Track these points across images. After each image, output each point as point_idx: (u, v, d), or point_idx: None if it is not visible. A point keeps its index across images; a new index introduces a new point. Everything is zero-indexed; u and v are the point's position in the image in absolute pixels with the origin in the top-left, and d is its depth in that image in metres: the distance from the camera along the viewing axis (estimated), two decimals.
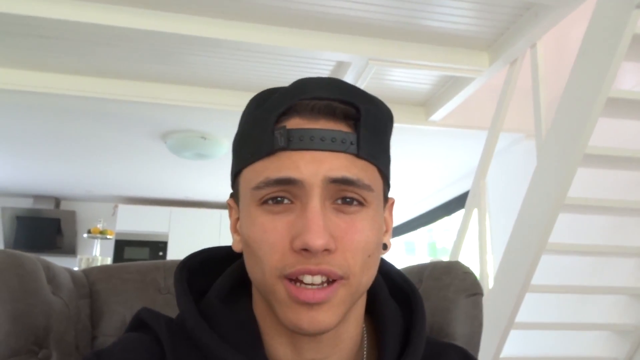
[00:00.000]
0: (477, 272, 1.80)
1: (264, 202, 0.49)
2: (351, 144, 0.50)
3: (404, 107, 3.16)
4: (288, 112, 0.50)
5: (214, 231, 5.82)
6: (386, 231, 0.57)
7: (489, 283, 2.43)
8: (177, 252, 5.59)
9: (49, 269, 0.68)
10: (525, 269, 1.98)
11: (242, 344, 0.52)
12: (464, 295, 0.79)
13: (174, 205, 5.91)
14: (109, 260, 4.93)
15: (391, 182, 0.58)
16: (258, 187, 0.49)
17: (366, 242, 0.49)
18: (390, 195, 0.58)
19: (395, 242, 6.03)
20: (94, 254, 5.16)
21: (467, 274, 0.82)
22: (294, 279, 0.48)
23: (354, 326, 0.55)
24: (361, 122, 0.51)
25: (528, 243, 1.99)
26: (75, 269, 0.78)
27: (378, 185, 0.53)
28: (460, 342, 0.77)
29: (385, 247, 0.56)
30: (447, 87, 2.91)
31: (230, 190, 0.59)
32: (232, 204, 0.58)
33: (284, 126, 0.49)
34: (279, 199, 0.49)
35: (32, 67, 2.72)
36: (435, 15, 2.24)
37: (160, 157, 4.16)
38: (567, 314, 2.64)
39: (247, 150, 0.52)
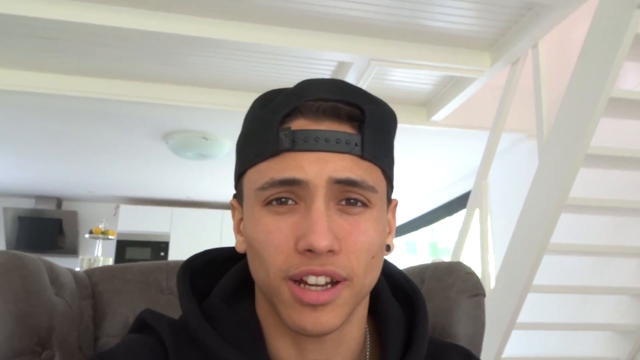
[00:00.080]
0: (478, 273, 1.80)
1: (268, 202, 0.50)
2: (355, 145, 0.50)
3: (405, 107, 3.16)
4: (293, 113, 0.51)
5: (215, 231, 5.82)
6: (389, 232, 0.57)
7: (490, 283, 2.43)
8: (178, 252, 5.59)
9: (51, 269, 0.68)
10: (527, 269, 1.97)
11: (245, 344, 0.52)
12: (466, 296, 0.79)
13: (175, 205, 5.91)
14: (110, 261, 4.93)
15: (393, 182, 0.58)
16: (262, 188, 0.49)
17: (370, 244, 0.49)
18: (392, 195, 0.58)
19: (397, 242, 6.01)
20: (95, 254, 5.16)
21: (469, 274, 0.81)
22: (298, 280, 0.48)
23: (357, 327, 0.55)
24: (365, 123, 0.51)
25: (530, 243, 1.99)
26: (77, 269, 0.78)
27: (382, 186, 0.53)
28: (462, 342, 0.77)
29: (388, 248, 0.56)
30: (449, 87, 2.91)
31: (232, 191, 0.59)
32: (236, 204, 0.58)
33: (289, 127, 0.49)
34: (283, 199, 0.49)
35: (33, 68, 2.73)
36: (437, 16, 2.24)
37: (161, 157, 4.17)
38: (568, 314, 2.64)
39: (252, 151, 0.52)
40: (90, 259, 4.32)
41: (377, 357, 0.57)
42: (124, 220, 5.65)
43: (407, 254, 6.10)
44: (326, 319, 0.48)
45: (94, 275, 0.78)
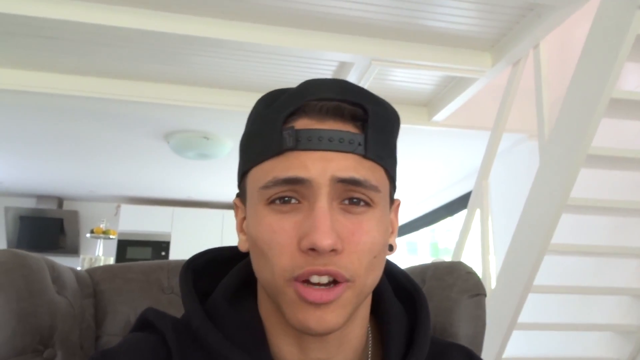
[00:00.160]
0: (479, 273, 1.80)
1: (271, 201, 0.50)
2: (359, 144, 0.50)
3: (406, 108, 3.16)
4: (296, 113, 0.51)
5: (216, 231, 5.83)
6: (392, 232, 0.57)
7: (491, 283, 2.43)
8: (179, 252, 5.59)
9: (53, 268, 0.68)
10: (527, 270, 1.97)
11: (248, 343, 0.52)
12: (467, 296, 0.79)
13: (176, 205, 5.91)
14: (111, 260, 4.93)
15: (396, 182, 0.58)
16: (266, 187, 0.50)
17: (372, 243, 0.50)
18: (394, 195, 0.58)
19: (398, 242, 6.00)
20: (96, 253, 5.16)
21: (470, 274, 0.82)
22: (303, 280, 0.48)
23: (360, 326, 0.56)
24: (369, 123, 0.51)
25: (531, 243, 1.99)
26: (78, 268, 0.79)
27: (385, 186, 0.53)
28: (463, 342, 0.77)
29: (391, 248, 0.56)
30: (450, 87, 2.91)
31: (234, 191, 0.59)
32: (239, 203, 0.58)
33: (293, 126, 0.50)
34: (286, 198, 0.49)
35: (34, 68, 2.73)
36: (438, 16, 2.24)
37: (162, 157, 4.17)
38: (569, 315, 2.64)
39: (255, 150, 0.52)
40: (91, 259, 4.33)
41: (379, 356, 0.57)
42: (125, 220, 5.66)
43: (408, 254, 6.10)
44: (330, 317, 0.48)
45: (96, 274, 0.78)
